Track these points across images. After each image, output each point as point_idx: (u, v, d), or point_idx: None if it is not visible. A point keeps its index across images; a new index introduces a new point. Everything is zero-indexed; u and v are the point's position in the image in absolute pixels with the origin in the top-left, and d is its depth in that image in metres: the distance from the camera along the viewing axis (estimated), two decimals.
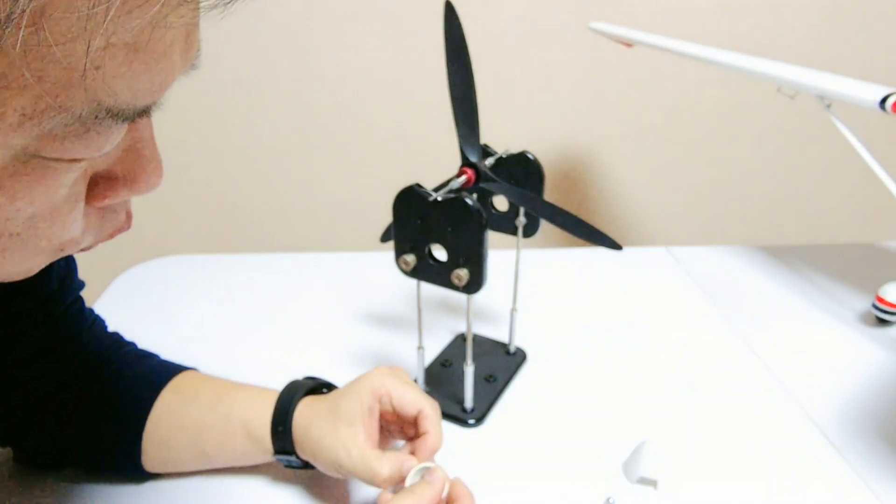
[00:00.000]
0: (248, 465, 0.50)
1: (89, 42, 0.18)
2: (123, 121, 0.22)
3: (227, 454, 0.48)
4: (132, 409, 0.48)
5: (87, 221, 0.27)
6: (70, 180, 0.24)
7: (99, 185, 0.26)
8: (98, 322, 0.53)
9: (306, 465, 0.47)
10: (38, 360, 0.47)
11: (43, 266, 0.27)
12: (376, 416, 0.46)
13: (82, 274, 0.52)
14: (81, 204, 0.26)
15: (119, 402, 0.48)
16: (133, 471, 0.49)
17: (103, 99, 0.20)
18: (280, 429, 0.46)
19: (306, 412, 0.46)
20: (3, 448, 0.50)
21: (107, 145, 0.23)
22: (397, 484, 0.43)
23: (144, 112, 0.23)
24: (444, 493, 0.42)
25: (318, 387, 0.49)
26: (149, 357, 0.53)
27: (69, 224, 0.25)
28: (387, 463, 0.43)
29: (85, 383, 0.48)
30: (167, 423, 0.48)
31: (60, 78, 0.19)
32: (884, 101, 0.56)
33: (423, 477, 0.42)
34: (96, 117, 0.21)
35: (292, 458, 0.46)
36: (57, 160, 0.22)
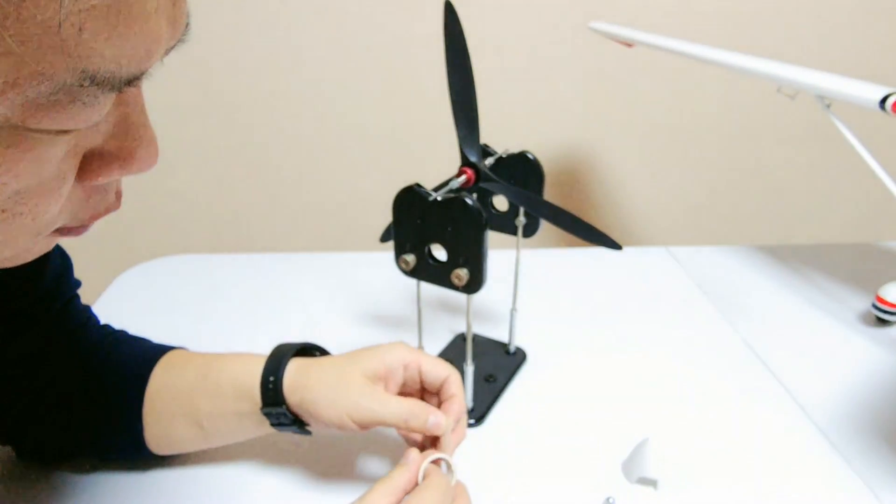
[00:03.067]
0: (245, 443, 0.50)
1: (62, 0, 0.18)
2: (110, 90, 0.21)
3: (219, 420, 0.47)
4: (129, 390, 0.48)
5: (69, 200, 0.26)
6: (58, 155, 0.23)
7: (93, 163, 0.25)
8: (93, 319, 0.53)
9: (297, 423, 0.46)
10: (35, 358, 0.47)
11: (28, 251, 0.27)
12: (397, 380, 0.46)
13: (83, 274, 0.52)
14: (71, 182, 0.25)
15: (115, 385, 0.48)
16: (138, 452, 0.49)
17: (87, 66, 0.20)
18: (271, 380, 0.45)
19: (303, 365, 0.46)
20: (3, 446, 0.51)
21: (94, 116, 0.22)
22: (414, 434, 0.44)
23: (131, 82, 0.22)
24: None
25: (310, 348, 0.49)
26: (139, 340, 0.53)
27: (57, 201, 0.25)
28: (405, 400, 0.44)
29: (81, 374, 0.48)
30: (162, 397, 0.48)
31: (42, 42, 0.18)
32: (884, 101, 0.56)
33: (402, 461, 0.42)
34: (81, 85, 0.20)
35: (282, 410, 0.45)
36: (43, 132, 0.21)
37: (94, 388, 0.48)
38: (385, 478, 0.40)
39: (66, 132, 0.22)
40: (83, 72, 0.20)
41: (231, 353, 0.50)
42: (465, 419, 0.48)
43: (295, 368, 0.46)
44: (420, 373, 0.47)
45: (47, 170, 0.23)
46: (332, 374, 0.45)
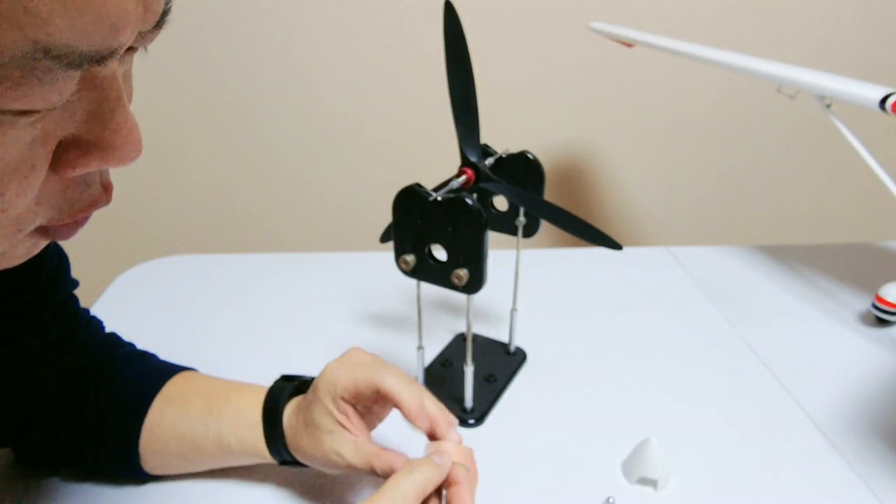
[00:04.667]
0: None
1: None
2: (68, 66, 0.20)
3: (226, 463, 0.49)
4: (127, 416, 0.47)
5: (45, 192, 0.25)
6: (23, 140, 0.22)
7: (69, 153, 0.24)
8: (94, 322, 0.53)
9: (299, 465, 0.47)
10: (32, 360, 0.47)
11: (8, 254, 0.26)
12: (350, 412, 0.43)
13: (83, 274, 0.51)
14: (43, 172, 0.24)
15: (115, 407, 0.48)
16: (133, 474, 0.49)
17: (39, 37, 0.19)
18: (276, 446, 0.46)
19: (293, 424, 0.45)
20: (3, 448, 0.50)
21: (53, 96, 0.21)
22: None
23: (97, 60, 0.21)
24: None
25: (294, 391, 0.47)
26: (145, 358, 0.52)
27: (27, 192, 0.23)
28: (385, 457, 0.40)
29: (82, 385, 0.48)
30: (162, 433, 0.47)
31: None
32: (884, 101, 0.56)
33: (430, 456, 0.39)
34: (34, 58, 0.19)
35: (298, 467, 0.47)
36: (1, 112, 0.20)
37: (94, 407, 0.48)
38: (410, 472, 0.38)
39: (26, 113, 0.21)
40: (35, 43, 0.19)
41: (230, 389, 0.49)
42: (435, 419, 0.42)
43: (288, 429, 0.45)
44: (352, 399, 0.43)
45: (11, 155, 0.22)
46: (309, 439, 0.43)
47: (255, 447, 0.46)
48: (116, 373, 0.50)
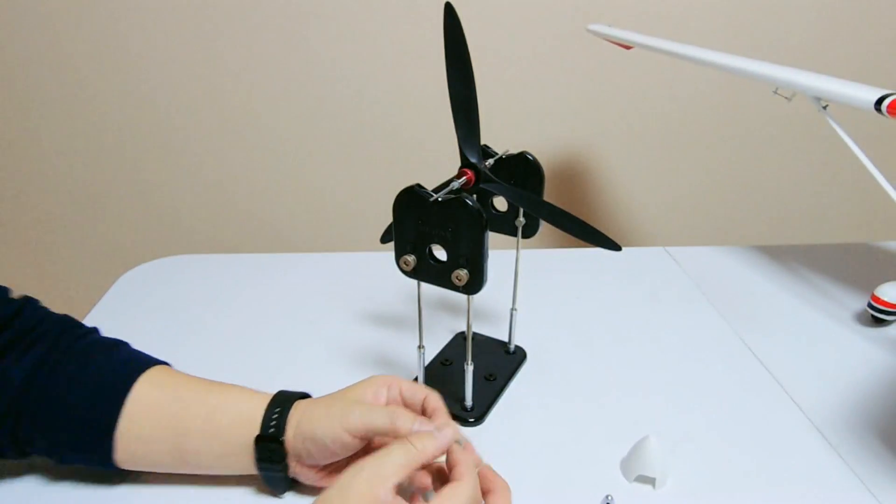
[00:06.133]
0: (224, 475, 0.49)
1: None
2: None
3: (204, 446, 0.46)
4: (104, 403, 0.46)
5: None
6: None
7: None
8: (31, 302, 0.50)
9: (283, 463, 0.46)
10: None
11: None
12: (382, 401, 0.46)
13: (84, 274, 0.51)
14: None
15: (89, 394, 0.46)
16: (102, 466, 0.47)
17: None
18: (277, 410, 0.46)
19: (306, 403, 0.47)
20: None
21: None
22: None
23: None
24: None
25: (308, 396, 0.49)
26: (118, 346, 0.51)
27: None
28: (401, 409, 0.43)
29: (50, 370, 0.46)
30: (145, 417, 0.46)
31: None
32: (879, 102, 0.56)
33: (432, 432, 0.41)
34: None
35: (276, 447, 0.45)
36: None
37: (65, 393, 0.46)
38: (406, 445, 0.38)
39: None
40: None
41: (233, 384, 0.50)
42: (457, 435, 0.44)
43: (297, 406, 0.46)
44: (401, 392, 0.47)
45: None
46: (330, 402, 0.46)
47: (251, 413, 0.46)
48: (90, 358, 0.48)
